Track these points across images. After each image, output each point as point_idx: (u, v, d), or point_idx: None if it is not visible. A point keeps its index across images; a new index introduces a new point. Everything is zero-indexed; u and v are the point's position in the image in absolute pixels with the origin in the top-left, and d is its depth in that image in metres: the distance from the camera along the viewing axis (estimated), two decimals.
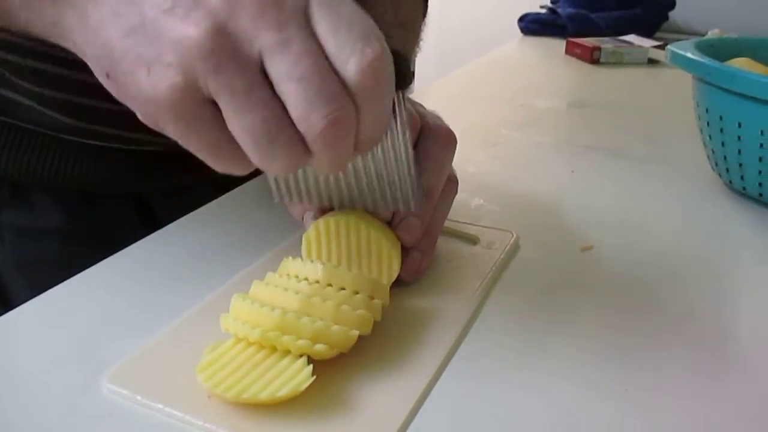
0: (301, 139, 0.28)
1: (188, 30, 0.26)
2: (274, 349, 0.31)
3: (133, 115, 0.30)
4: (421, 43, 0.62)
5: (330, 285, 0.34)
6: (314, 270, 0.34)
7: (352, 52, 0.27)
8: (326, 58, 0.27)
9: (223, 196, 0.53)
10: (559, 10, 1.41)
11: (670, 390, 0.33)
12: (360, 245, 0.38)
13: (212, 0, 0.26)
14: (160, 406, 0.30)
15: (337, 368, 0.32)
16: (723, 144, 0.55)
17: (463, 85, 1.01)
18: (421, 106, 0.44)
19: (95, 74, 0.30)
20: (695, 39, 0.62)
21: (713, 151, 0.58)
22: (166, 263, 0.44)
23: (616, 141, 0.73)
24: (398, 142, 0.35)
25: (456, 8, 2.37)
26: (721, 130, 0.55)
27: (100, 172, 0.57)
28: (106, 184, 0.58)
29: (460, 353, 0.35)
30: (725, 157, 0.56)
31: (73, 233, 0.58)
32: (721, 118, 0.54)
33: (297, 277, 0.35)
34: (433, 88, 0.99)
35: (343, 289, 0.34)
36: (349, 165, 0.36)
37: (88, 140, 0.56)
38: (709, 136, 0.57)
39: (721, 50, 0.61)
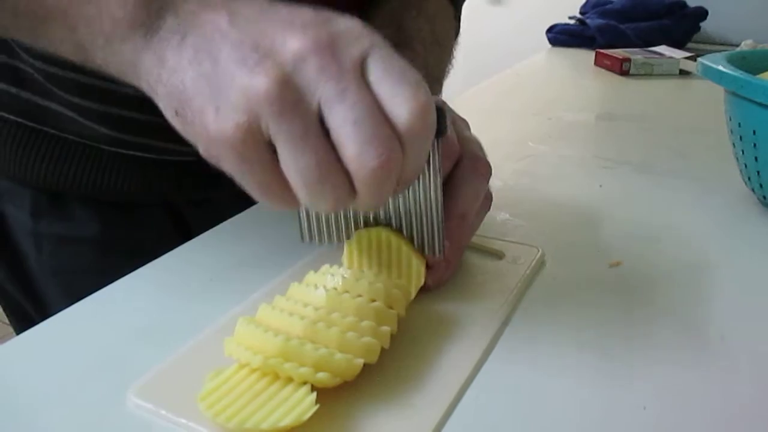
0: (347, 182, 0.31)
1: (257, 79, 0.29)
2: (277, 376, 0.30)
3: (168, 125, 0.33)
4: (453, 60, 0.62)
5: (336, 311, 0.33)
6: (317, 297, 0.34)
7: (404, 99, 0.30)
8: (379, 105, 0.30)
9: (254, 207, 0.54)
10: (588, 21, 1.40)
11: (698, 412, 0.32)
12: (390, 257, 0.39)
13: (281, 55, 0.29)
14: (184, 421, 0.30)
15: (344, 396, 0.32)
16: (756, 159, 0.54)
17: (490, 98, 1.01)
18: (468, 128, 0.45)
19: (163, 112, 0.33)
20: (727, 51, 0.61)
21: (746, 166, 0.57)
22: (195, 274, 0.44)
23: (646, 154, 0.72)
24: (429, 186, 0.37)
25: (484, 20, 2.37)
26: (755, 145, 0.54)
27: (136, 182, 0.59)
28: (142, 194, 0.59)
29: (482, 373, 0.35)
30: (758, 173, 0.55)
31: (109, 242, 0.60)
32: (754, 132, 0.53)
33: (303, 302, 0.34)
34: (460, 101, 0.98)
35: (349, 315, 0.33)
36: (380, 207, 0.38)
37: (125, 150, 0.57)
38: (742, 151, 0.56)
39: (753, 63, 0.60)
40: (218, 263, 0.45)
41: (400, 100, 0.30)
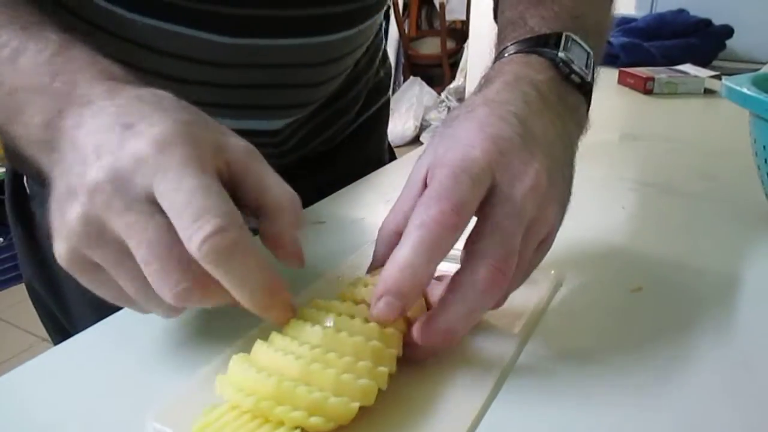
0: None
1: (69, 213, 0.32)
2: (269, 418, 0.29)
3: None
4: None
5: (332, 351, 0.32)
6: (315, 335, 0.33)
7: (187, 235, 0.30)
8: (172, 234, 0.31)
9: None
10: (612, 39, 1.39)
11: None
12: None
13: (79, 192, 0.32)
14: None
15: None
16: None
17: None
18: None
19: None
20: (751, 73, 0.60)
21: None
22: None
23: (670, 176, 0.71)
24: None
25: None
26: None
27: None
28: None
29: (494, 407, 0.34)
30: None
31: None
32: None
33: (299, 340, 0.33)
34: None
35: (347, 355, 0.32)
36: None
37: None
38: (767, 174, 0.55)
39: None
40: None
41: (187, 234, 0.30)
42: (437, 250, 0.33)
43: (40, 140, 0.36)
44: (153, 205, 0.31)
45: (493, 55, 0.47)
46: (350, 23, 0.61)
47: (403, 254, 0.32)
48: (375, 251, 0.39)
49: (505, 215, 0.34)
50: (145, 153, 0.31)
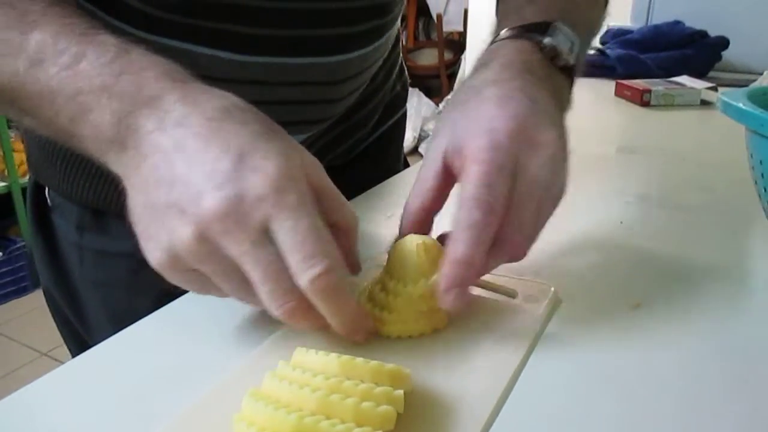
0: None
1: (179, 230, 0.35)
2: None
3: None
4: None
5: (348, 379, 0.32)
6: (330, 364, 0.33)
7: (299, 270, 0.35)
8: (282, 262, 0.35)
9: None
10: (608, 51, 1.40)
11: None
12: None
13: (197, 212, 0.35)
14: None
15: None
16: None
17: None
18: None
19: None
20: (747, 88, 0.61)
21: None
22: (220, 314, 0.44)
23: (668, 189, 0.72)
24: None
25: None
26: None
27: None
28: None
29: (499, 420, 0.34)
30: None
31: (142, 259, 0.62)
32: None
33: (312, 370, 0.33)
34: None
35: (363, 382, 0.32)
36: None
37: None
38: (765, 188, 0.56)
39: None
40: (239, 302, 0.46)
41: (296, 270, 0.35)
42: (487, 241, 0.39)
43: (109, 139, 0.38)
44: (266, 235, 0.35)
45: (488, 41, 0.53)
46: (368, 41, 0.63)
47: (461, 251, 0.38)
48: (402, 225, 0.44)
49: (525, 190, 0.41)
50: (265, 193, 0.35)
